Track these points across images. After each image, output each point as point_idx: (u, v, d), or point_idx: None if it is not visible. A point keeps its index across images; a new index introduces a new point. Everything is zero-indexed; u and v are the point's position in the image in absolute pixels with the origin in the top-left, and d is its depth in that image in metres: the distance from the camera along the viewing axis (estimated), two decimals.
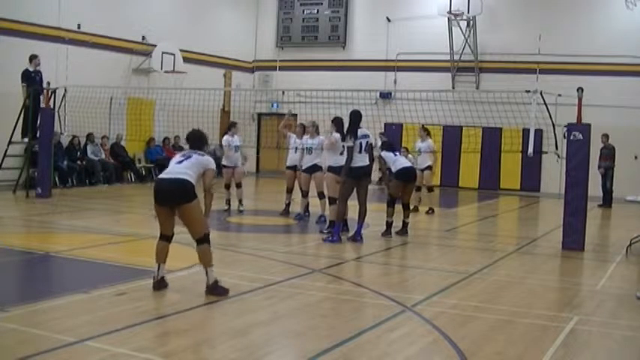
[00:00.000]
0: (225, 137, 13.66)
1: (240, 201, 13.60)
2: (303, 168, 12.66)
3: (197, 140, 7.24)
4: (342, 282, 7.85)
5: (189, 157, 7.00)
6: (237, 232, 11.63)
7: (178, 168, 6.88)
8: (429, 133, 15.23)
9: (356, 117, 10.44)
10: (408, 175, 11.42)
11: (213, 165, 7.01)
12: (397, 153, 11.84)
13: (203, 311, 6.43)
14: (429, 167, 15.01)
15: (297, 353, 5.43)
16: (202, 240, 6.77)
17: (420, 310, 6.61)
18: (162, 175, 7.05)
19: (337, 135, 10.81)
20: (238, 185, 13.59)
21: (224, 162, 13.54)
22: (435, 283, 8.06)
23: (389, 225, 11.25)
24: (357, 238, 10.48)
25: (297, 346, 5.60)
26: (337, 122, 10.91)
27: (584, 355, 5.72)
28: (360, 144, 10.32)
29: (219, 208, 13.15)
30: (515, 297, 7.55)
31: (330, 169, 11.05)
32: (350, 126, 10.40)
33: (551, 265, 9.83)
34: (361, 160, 10.35)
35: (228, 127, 13.97)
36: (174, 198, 6.72)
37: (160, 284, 6.90)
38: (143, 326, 5.73)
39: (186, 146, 7.28)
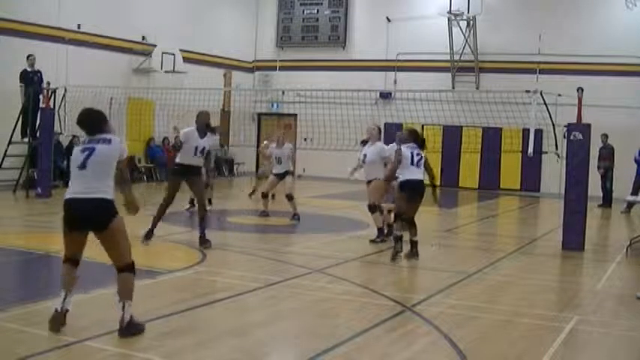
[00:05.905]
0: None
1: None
2: (276, 172, 13.44)
3: (92, 123, 5.61)
4: (342, 282, 7.85)
5: (92, 150, 5.44)
6: (237, 232, 11.61)
7: (85, 180, 5.40)
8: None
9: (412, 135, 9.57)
10: (412, 191, 9.20)
11: (125, 152, 5.63)
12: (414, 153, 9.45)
13: (203, 311, 6.42)
14: None
15: (297, 353, 5.43)
16: (127, 268, 5.58)
17: (420, 310, 6.61)
18: (69, 195, 5.46)
19: (385, 146, 10.23)
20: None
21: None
22: (435, 283, 8.06)
23: (397, 239, 9.32)
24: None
25: (297, 346, 5.60)
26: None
27: (584, 355, 5.72)
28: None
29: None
30: (515, 297, 7.56)
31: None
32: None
33: (551, 265, 9.83)
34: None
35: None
36: (89, 222, 5.44)
37: (62, 320, 5.48)
38: None
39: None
